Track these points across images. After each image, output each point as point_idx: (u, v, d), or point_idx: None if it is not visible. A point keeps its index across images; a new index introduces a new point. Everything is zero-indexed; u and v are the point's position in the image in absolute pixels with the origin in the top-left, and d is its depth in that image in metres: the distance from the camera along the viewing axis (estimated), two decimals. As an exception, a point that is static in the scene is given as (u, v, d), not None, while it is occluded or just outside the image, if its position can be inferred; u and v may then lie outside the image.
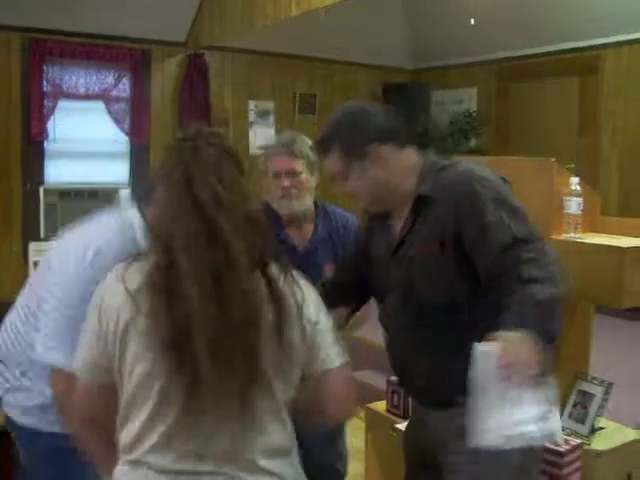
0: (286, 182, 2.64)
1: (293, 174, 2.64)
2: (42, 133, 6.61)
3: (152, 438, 1.48)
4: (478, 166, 1.97)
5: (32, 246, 6.44)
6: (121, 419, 1.53)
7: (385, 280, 2.08)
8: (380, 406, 3.13)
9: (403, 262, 2.00)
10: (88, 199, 6.68)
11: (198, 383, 1.41)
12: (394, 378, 3.03)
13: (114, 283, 1.54)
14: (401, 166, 2.00)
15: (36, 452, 2.02)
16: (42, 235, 6.53)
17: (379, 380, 4.94)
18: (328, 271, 2.61)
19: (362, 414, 3.17)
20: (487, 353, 1.64)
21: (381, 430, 3.02)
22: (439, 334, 1.95)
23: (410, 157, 2.03)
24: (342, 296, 2.22)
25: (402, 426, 2.85)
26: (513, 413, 1.62)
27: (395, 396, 2.99)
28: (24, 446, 2.06)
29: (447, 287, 1.91)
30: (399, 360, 2.12)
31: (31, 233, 6.58)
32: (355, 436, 3.45)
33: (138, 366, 1.47)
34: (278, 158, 2.67)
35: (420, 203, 1.96)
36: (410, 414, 2.30)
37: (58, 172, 6.82)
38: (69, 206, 6.60)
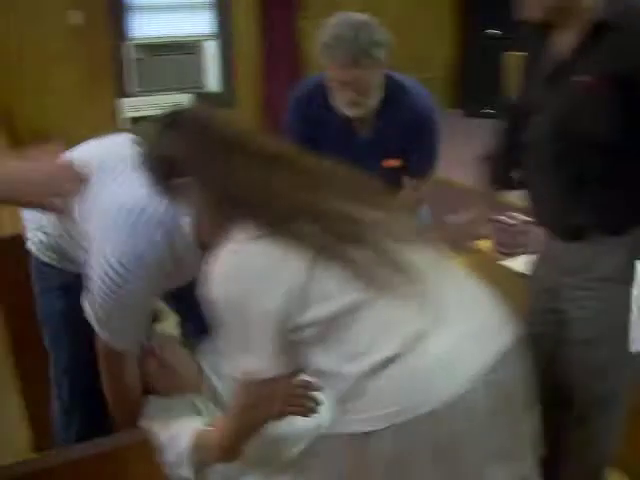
0: (349, 93, 2.37)
1: (358, 83, 2.34)
2: (124, -14, 6.52)
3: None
4: None
5: (124, 102, 6.54)
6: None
7: (533, 102, 1.96)
8: (485, 244, 3.13)
9: (561, 88, 1.85)
10: (174, 52, 6.66)
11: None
12: (500, 216, 3.02)
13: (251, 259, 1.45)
14: None
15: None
16: (132, 91, 6.60)
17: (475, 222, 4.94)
18: (386, 167, 2.43)
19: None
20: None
21: (487, 269, 3.03)
22: (585, 169, 1.87)
23: None
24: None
25: (514, 264, 2.88)
26: None
27: (501, 234, 2.98)
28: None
29: (605, 127, 1.78)
30: (538, 192, 2.06)
31: (121, 90, 6.64)
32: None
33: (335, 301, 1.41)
34: (337, 66, 2.32)
35: (599, 28, 1.74)
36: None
37: (143, 26, 6.76)
38: (156, 60, 6.61)
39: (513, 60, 2.97)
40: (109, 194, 1.79)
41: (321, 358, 1.44)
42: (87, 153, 1.95)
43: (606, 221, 1.91)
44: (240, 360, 1.48)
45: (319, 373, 1.47)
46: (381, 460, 1.37)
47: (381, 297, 1.40)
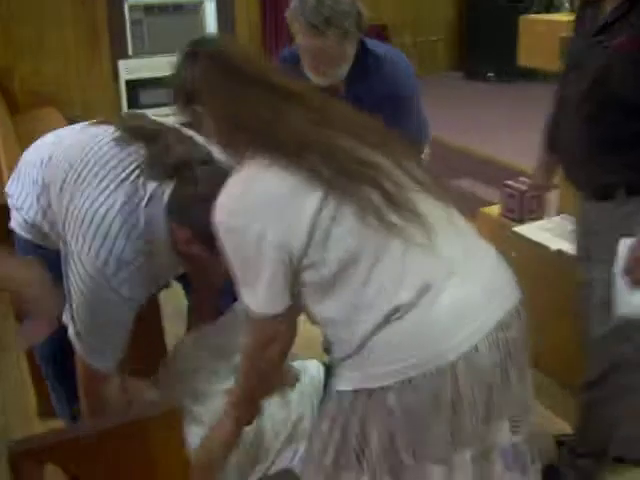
0: (311, 60, 2.27)
1: (322, 52, 2.23)
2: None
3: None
4: None
5: (122, 64, 6.44)
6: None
7: (573, 63, 2.01)
8: (493, 210, 3.10)
9: (599, 48, 1.89)
10: (173, 13, 6.54)
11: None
12: (510, 182, 2.99)
13: (264, 197, 1.40)
14: None
15: None
16: (130, 52, 6.50)
17: (478, 188, 4.91)
18: None
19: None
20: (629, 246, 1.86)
21: (496, 234, 3.01)
22: (617, 129, 1.90)
23: None
24: None
25: (523, 230, 2.85)
26: None
27: (510, 200, 2.95)
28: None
29: (636, 86, 1.83)
30: (569, 148, 2.06)
31: (119, 51, 6.54)
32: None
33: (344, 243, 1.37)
34: (302, 34, 2.24)
35: None
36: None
37: (140, -14, 6.64)
38: (155, 21, 6.49)
39: (528, 24, 2.93)
40: (89, 201, 1.74)
41: (332, 305, 1.40)
42: (66, 151, 1.89)
43: (636, 182, 1.93)
44: (243, 292, 1.46)
45: (329, 322, 1.43)
46: (390, 415, 1.36)
47: (393, 242, 1.37)
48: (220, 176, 1.60)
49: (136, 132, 1.82)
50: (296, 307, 1.47)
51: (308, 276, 1.40)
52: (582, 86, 1.93)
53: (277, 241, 1.37)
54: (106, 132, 1.86)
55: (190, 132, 1.88)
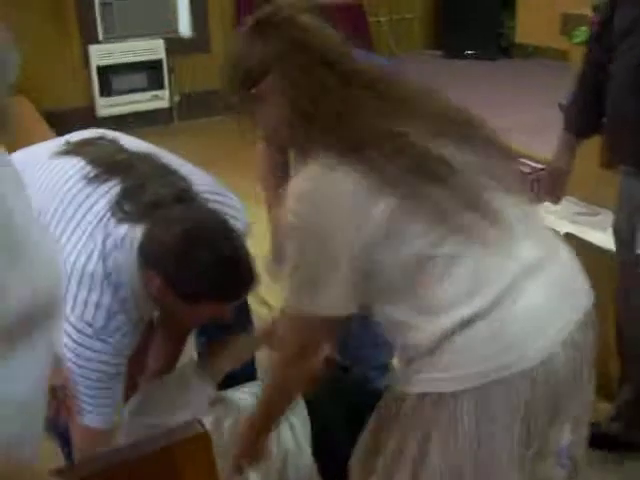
0: None
1: None
2: None
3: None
4: None
5: (92, 49, 6.26)
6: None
7: (626, 27, 1.94)
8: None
9: None
10: (144, -5, 6.37)
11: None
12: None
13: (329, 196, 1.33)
14: None
15: None
16: (100, 37, 6.31)
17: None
18: None
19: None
20: None
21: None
22: None
23: None
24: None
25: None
26: None
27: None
28: None
29: None
30: (621, 125, 2.02)
31: (89, 36, 6.35)
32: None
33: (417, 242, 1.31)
34: None
35: None
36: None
37: (109, -33, 6.45)
38: (125, 4, 6.31)
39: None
40: (65, 251, 1.63)
41: (402, 307, 1.34)
42: (35, 194, 1.76)
43: None
44: (302, 294, 1.37)
45: (398, 325, 1.36)
46: (458, 423, 1.29)
47: (466, 244, 1.30)
48: (196, 216, 1.56)
49: (107, 166, 1.71)
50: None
51: (377, 278, 1.33)
52: (637, 51, 1.89)
53: (346, 242, 1.30)
54: (75, 168, 1.74)
55: (166, 157, 1.77)
